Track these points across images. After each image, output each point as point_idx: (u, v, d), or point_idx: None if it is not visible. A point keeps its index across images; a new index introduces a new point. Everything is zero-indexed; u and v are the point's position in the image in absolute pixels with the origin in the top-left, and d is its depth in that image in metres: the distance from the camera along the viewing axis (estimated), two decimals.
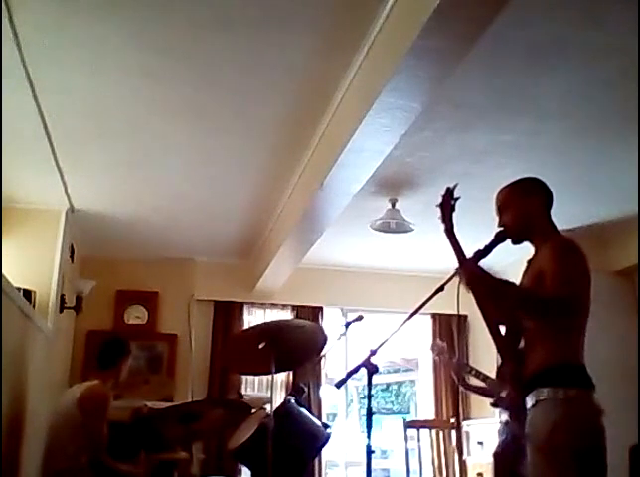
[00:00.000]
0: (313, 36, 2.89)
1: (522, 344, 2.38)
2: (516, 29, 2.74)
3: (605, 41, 2.86)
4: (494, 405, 3.74)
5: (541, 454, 2.14)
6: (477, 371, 4.05)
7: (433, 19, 2.29)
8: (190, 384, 5.91)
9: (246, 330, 4.80)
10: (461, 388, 4.32)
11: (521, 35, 2.81)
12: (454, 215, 2.57)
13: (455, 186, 2.59)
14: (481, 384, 4.06)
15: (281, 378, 6.06)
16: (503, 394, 3.54)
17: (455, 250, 2.51)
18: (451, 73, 2.70)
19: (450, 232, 2.56)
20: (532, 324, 2.33)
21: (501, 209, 2.50)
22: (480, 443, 5.80)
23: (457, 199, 2.58)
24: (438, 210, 2.61)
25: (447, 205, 2.59)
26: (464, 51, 2.53)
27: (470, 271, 2.35)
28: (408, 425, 4.71)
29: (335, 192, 3.86)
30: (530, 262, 2.44)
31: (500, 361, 3.71)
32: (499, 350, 2.52)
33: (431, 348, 4.43)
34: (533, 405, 2.20)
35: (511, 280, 2.31)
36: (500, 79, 3.18)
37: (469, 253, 2.44)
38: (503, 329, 2.59)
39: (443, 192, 2.62)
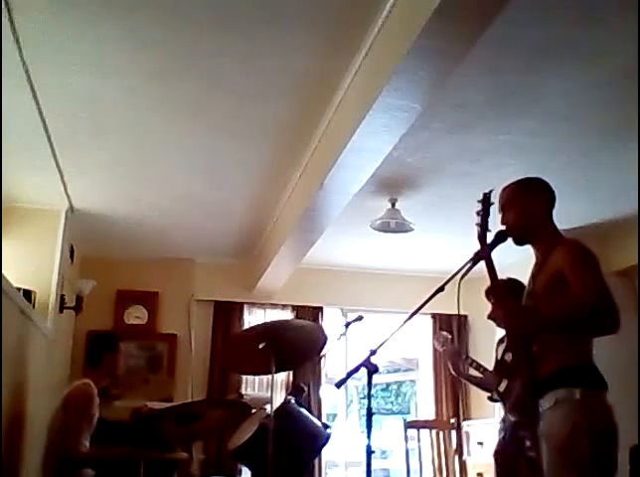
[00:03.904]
0: (313, 36, 2.89)
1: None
2: (516, 29, 2.74)
3: (605, 41, 2.86)
4: (492, 399, 3.75)
5: (560, 455, 2.14)
6: (477, 363, 4.05)
7: (433, 19, 2.29)
8: (190, 384, 5.91)
9: (246, 330, 4.79)
10: (454, 374, 4.31)
11: (521, 35, 2.81)
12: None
13: (491, 191, 2.55)
14: (478, 375, 4.07)
15: (281, 378, 6.06)
16: (501, 387, 3.54)
17: (488, 268, 2.48)
18: (451, 73, 2.70)
19: (482, 239, 2.51)
20: None
21: (504, 207, 2.47)
22: (480, 443, 5.79)
23: (492, 204, 2.54)
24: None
25: (485, 211, 2.54)
26: (464, 51, 2.53)
27: (518, 325, 2.32)
28: (408, 425, 4.70)
29: (335, 192, 3.86)
30: (538, 265, 2.40)
31: (499, 356, 3.72)
32: (513, 352, 2.51)
33: (436, 339, 4.44)
34: (550, 407, 2.20)
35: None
36: (500, 80, 3.18)
37: (471, 254, 2.43)
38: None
39: (481, 197, 2.57)
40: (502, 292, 2.45)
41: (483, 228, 2.52)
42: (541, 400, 2.25)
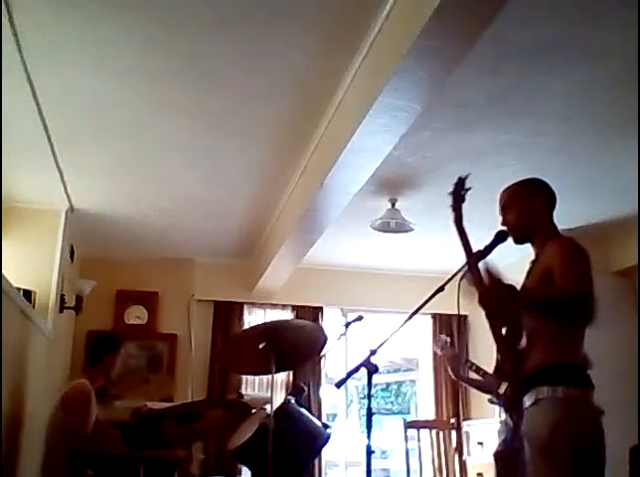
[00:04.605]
0: (313, 36, 2.90)
1: (523, 343, 2.37)
2: (516, 29, 2.74)
3: (605, 41, 2.86)
4: (492, 402, 3.75)
5: (540, 454, 2.12)
6: (477, 367, 4.05)
7: (433, 19, 2.30)
8: (190, 384, 5.91)
9: (246, 330, 4.79)
10: (455, 378, 4.32)
11: (521, 35, 2.81)
12: (463, 206, 2.60)
13: (467, 176, 2.60)
14: (478, 378, 4.07)
15: (281, 378, 6.06)
16: (501, 390, 3.54)
17: (462, 243, 2.51)
18: (451, 73, 2.70)
19: (459, 222, 2.56)
20: (534, 323, 2.32)
21: (505, 207, 2.48)
22: (480, 443, 5.79)
23: (468, 189, 2.58)
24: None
25: (458, 194, 2.59)
26: (464, 51, 2.53)
27: (488, 295, 2.28)
28: (408, 425, 4.70)
29: (335, 192, 3.86)
30: (533, 262, 2.42)
31: (499, 358, 3.71)
32: (499, 348, 2.52)
33: (435, 342, 4.46)
34: (532, 404, 2.19)
35: (512, 282, 2.29)
36: (500, 79, 3.18)
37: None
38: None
39: (456, 181, 2.62)
40: (478, 264, 2.48)
41: (457, 209, 2.56)
42: (525, 397, 2.23)
